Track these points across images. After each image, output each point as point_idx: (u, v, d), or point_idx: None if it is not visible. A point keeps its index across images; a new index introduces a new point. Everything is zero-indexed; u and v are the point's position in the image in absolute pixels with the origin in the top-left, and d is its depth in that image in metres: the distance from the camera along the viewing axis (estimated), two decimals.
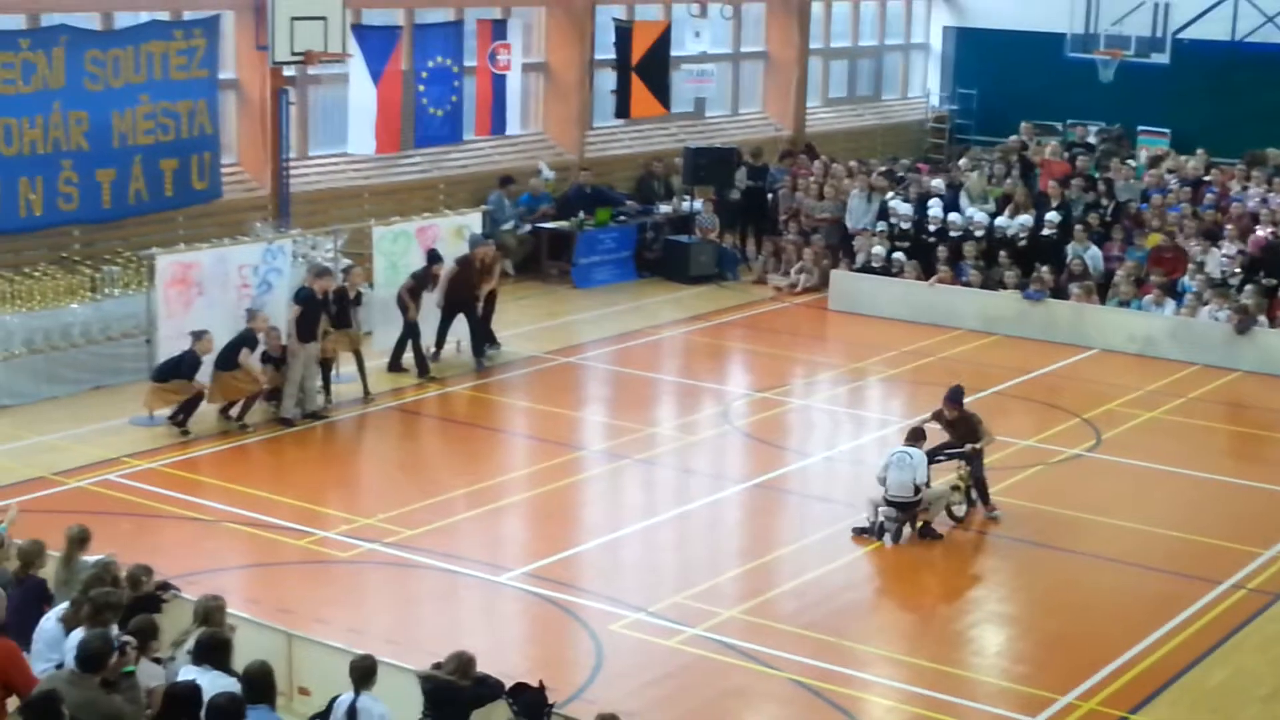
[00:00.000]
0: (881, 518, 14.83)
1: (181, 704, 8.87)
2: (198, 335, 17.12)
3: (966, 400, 16.06)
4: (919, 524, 14.90)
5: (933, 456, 15.26)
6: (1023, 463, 17.28)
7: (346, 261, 19.49)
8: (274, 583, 13.73)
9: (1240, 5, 30.27)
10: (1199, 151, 27.50)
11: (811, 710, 11.81)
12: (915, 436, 15.13)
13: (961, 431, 15.61)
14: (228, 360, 17.17)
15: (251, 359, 17.30)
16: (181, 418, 17.12)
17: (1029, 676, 12.39)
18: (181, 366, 17.03)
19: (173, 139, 20.15)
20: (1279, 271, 22.21)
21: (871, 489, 15.02)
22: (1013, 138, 29.33)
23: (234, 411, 17.49)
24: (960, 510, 15.33)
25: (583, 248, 24.65)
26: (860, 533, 14.93)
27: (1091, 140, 29.28)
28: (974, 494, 15.49)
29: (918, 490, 14.76)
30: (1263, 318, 21.35)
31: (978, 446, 15.43)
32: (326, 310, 17.86)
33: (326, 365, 18.22)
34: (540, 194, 25.19)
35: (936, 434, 15.86)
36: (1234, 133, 28.81)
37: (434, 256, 19.52)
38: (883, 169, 27.08)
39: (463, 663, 9.93)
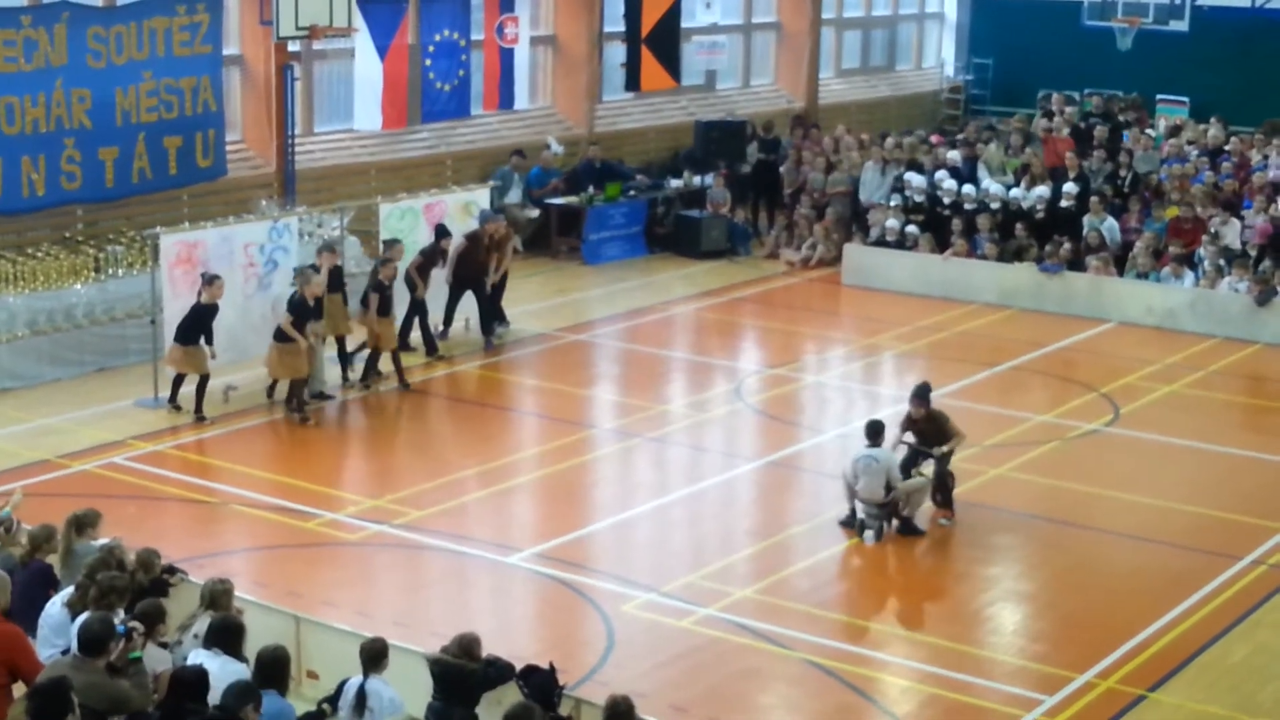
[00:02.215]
0: (862, 515, 14.27)
1: (187, 688, 8.80)
2: (209, 279, 16.85)
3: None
4: (896, 522, 14.28)
5: (910, 461, 14.57)
6: (1040, 438, 17.10)
7: (353, 239, 19.31)
8: (282, 565, 13.61)
9: None
10: (1213, 120, 27.19)
11: (825, 690, 11.68)
12: (875, 433, 14.27)
13: (929, 431, 14.70)
14: (280, 332, 16.90)
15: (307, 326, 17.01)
16: (196, 403, 16.90)
17: (1046, 655, 12.24)
18: (198, 318, 16.74)
19: (176, 116, 19.96)
20: None
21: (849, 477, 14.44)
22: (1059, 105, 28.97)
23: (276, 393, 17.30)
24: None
25: (592, 223, 24.45)
26: (844, 524, 14.43)
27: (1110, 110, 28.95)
28: (937, 495, 14.68)
29: (890, 489, 14.11)
30: None
31: (945, 450, 14.60)
32: (340, 287, 17.72)
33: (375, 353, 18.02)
34: (550, 168, 24.99)
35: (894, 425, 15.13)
36: (1254, 101, 28.50)
37: (442, 231, 19.34)
38: (897, 143, 26.83)
39: (465, 644, 9.82)
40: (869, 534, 14.21)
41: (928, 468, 14.76)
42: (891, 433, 14.71)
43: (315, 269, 17.47)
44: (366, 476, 15.93)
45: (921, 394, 14.81)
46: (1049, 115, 28.16)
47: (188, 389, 16.98)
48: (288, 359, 16.96)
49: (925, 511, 14.66)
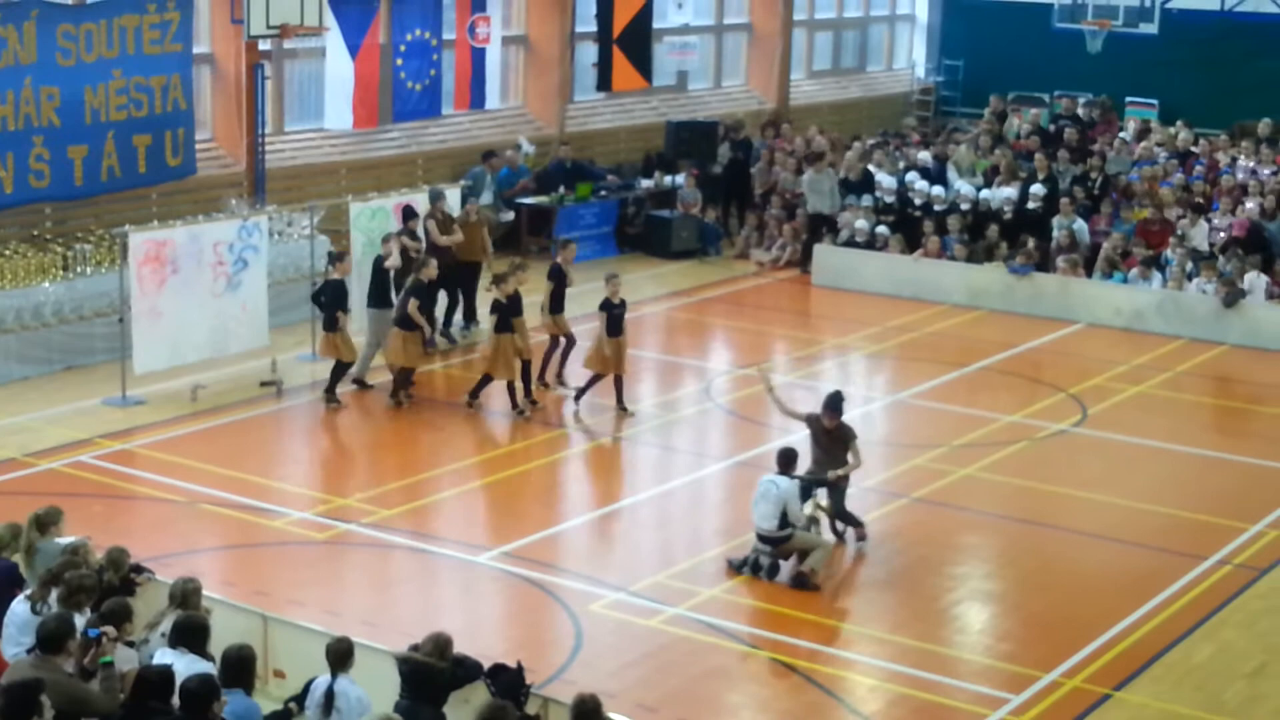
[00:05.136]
0: (755, 553, 13.37)
1: (152, 688, 8.74)
2: (337, 257, 17.33)
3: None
4: (795, 573, 13.23)
5: (806, 491, 13.71)
6: (1008, 438, 17.16)
7: (323, 237, 19.18)
8: (249, 564, 13.58)
9: None
10: (1179, 123, 27.35)
11: (794, 690, 11.69)
12: (785, 462, 13.43)
13: (834, 444, 14.04)
14: (404, 319, 17.11)
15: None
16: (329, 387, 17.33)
17: (1013, 654, 12.28)
18: (337, 297, 17.15)
19: (146, 114, 19.87)
20: (1264, 249, 22.03)
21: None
22: (993, 110, 29.12)
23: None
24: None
25: (563, 223, 24.43)
26: (732, 567, 13.48)
27: (1080, 112, 29.09)
28: (838, 525, 14.07)
29: (785, 524, 13.22)
30: (1261, 276, 21.07)
31: (840, 473, 13.91)
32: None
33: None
34: (519, 168, 24.97)
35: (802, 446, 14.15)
36: (1223, 104, 28.67)
37: (409, 213, 19.24)
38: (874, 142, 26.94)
39: (440, 644, 9.81)
40: (762, 573, 13.31)
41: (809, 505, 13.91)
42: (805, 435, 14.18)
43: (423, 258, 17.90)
44: (335, 475, 15.90)
45: (833, 405, 14.09)
46: (1001, 118, 28.44)
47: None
48: (411, 347, 17.19)
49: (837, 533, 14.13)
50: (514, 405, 17.23)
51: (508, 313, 17.18)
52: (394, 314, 17.37)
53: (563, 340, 18.27)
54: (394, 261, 17.89)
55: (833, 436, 14.13)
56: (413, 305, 17.09)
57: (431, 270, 17.58)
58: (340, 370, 17.37)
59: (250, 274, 18.00)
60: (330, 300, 17.34)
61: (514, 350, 17.20)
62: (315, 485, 15.40)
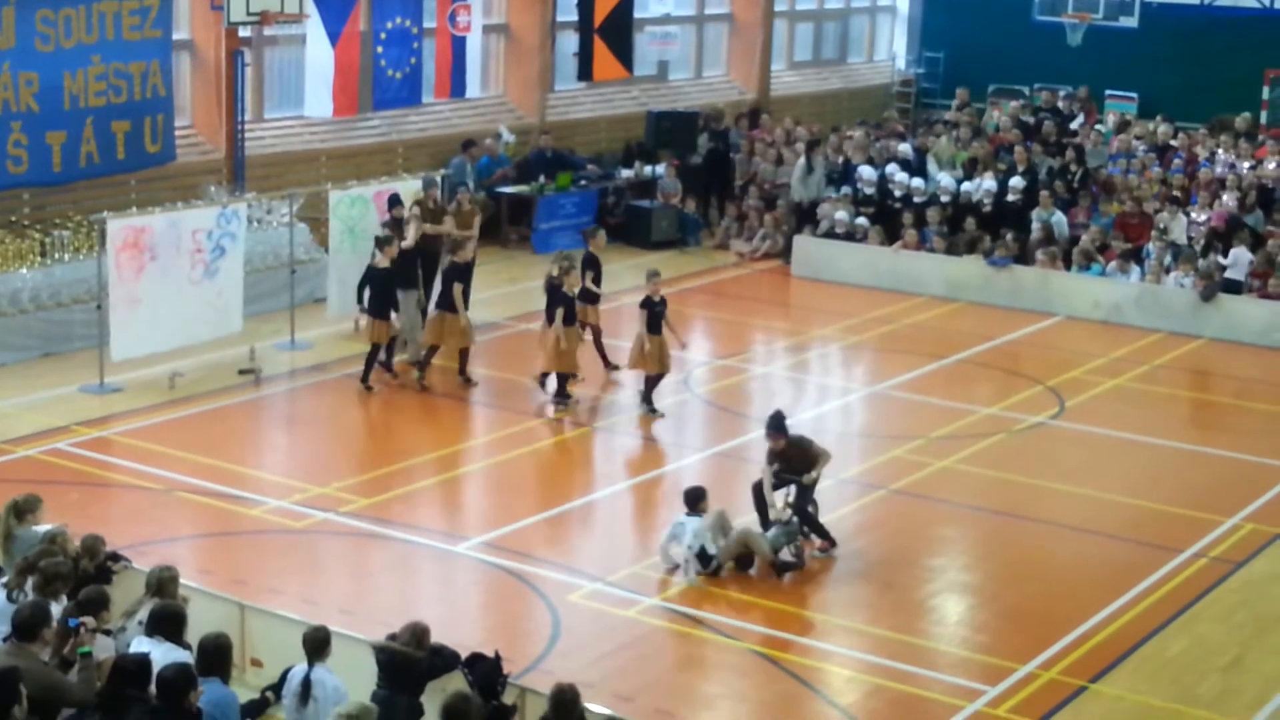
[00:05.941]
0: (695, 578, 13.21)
1: (129, 676, 8.76)
2: (383, 241, 17.57)
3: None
4: (772, 564, 13.28)
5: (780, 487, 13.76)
6: (985, 431, 17.20)
7: (302, 225, 19.14)
8: (227, 553, 13.55)
9: None
10: (1158, 116, 27.43)
11: (770, 680, 11.72)
12: (692, 501, 13.40)
13: (794, 457, 13.71)
14: (446, 299, 17.56)
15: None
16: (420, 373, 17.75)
17: (989, 646, 12.33)
18: (383, 292, 17.39)
19: (125, 101, 19.77)
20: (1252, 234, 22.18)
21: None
22: (959, 104, 29.19)
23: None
24: (788, 554, 13.43)
25: (543, 212, 24.43)
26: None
27: (1060, 105, 29.15)
28: (804, 530, 13.76)
29: (708, 559, 13.11)
30: (1246, 251, 21.10)
31: (813, 476, 13.66)
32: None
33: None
34: (499, 157, 24.93)
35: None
36: (1202, 97, 28.75)
37: (394, 200, 19.20)
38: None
39: (416, 633, 9.83)
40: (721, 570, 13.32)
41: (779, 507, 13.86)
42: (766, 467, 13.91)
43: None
44: (313, 464, 15.84)
45: (775, 425, 13.79)
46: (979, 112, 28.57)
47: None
48: (458, 329, 17.59)
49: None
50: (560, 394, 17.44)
51: (571, 306, 17.30)
52: (437, 300, 17.84)
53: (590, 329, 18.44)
54: (409, 242, 18.08)
55: (789, 453, 13.84)
56: (457, 289, 17.52)
57: (467, 253, 18.05)
58: (374, 355, 17.66)
59: (228, 261, 17.94)
60: (377, 291, 17.43)
61: (579, 342, 17.47)
62: (293, 473, 15.35)
